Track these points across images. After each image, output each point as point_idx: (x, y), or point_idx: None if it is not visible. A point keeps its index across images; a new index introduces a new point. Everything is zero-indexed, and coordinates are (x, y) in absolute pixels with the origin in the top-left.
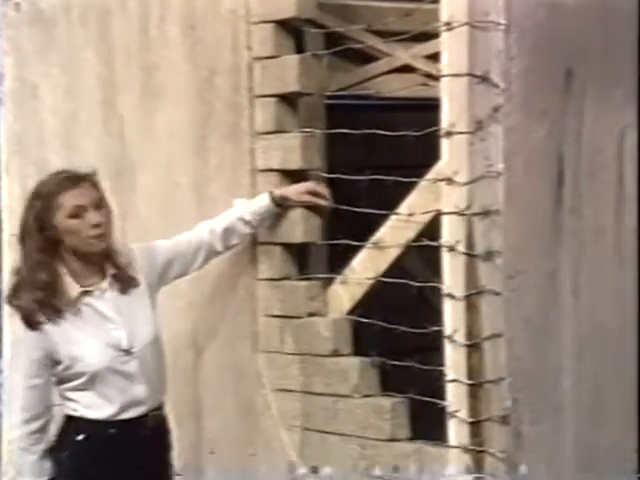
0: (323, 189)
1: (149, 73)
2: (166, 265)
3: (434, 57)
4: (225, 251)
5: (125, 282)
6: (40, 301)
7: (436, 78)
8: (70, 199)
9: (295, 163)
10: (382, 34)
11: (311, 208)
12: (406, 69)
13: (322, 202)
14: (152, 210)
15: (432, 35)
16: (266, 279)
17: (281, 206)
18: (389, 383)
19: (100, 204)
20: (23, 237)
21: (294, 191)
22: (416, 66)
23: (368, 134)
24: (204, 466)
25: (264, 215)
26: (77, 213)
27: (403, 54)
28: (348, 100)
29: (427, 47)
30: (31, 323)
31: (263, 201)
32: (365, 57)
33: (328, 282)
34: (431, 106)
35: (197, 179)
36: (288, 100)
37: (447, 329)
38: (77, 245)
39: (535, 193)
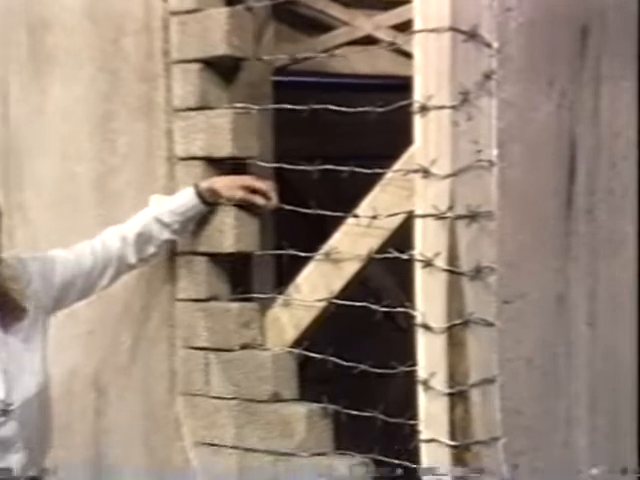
0: (264, 184)
1: (37, 34)
2: (66, 285)
3: (402, 27)
4: (140, 264)
5: (8, 314)
6: None
7: (405, 54)
8: None
9: (224, 149)
10: None
11: (246, 208)
12: (369, 41)
13: (260, 200)
14: (42, 207)
15: (400, 1)
16: (187, 300)
17: (210, 204)
18: (346, 438)
19: None
20: None
21: (225, 184)
22: (380, 37)
23: (321, 117)
24: None
25: (188, 215)
26: None
27: (365, 23)
28: (297, 77)
29: (394, 15)
30: None
31: (186, 197)
32: (319, 26)
33: (269, 303)
34: (399, 86)
35: (99, 169)
36: (215, 67)
37: (421, 371)
38: None
39: (539, 190)
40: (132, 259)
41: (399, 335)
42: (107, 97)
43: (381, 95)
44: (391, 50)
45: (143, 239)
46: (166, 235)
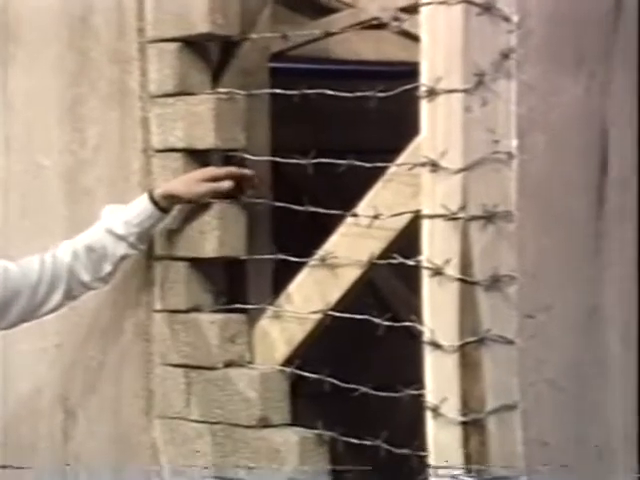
0: (232, 170)
1: None
2: (7, 300)
3: (411, 9)
4: (96, 284)
5: None
6: None
7: (415, 37)
8: None
9: (206, 140)
10: None
11: (231, 206)
12: (375, 24)
13: (225, 185)
14: (4, 206)
15: None
16: (165, 311)
17: (167, 211)
18: (345, 463)
19: None
20: None
21: (183, 184)
22: (387, 20)
23: (323, 106)
24: None
25: (145, 226)
26: None
27: (370, 5)
28: (296, 64)
29: None
30: None
31: (141, 205)
32: (321, 7)
33: (259, 315)
34: (409, 73)
35: (68, 162)
36: (196, 47)
37: (430, 396)
38: None
39: (565, 186)
40: (85, 276)
41: (411, 343)
42: (76, 81)
43: (389, 83)
44: (399, 34)
45: (97, 255)
46: (122, 249)
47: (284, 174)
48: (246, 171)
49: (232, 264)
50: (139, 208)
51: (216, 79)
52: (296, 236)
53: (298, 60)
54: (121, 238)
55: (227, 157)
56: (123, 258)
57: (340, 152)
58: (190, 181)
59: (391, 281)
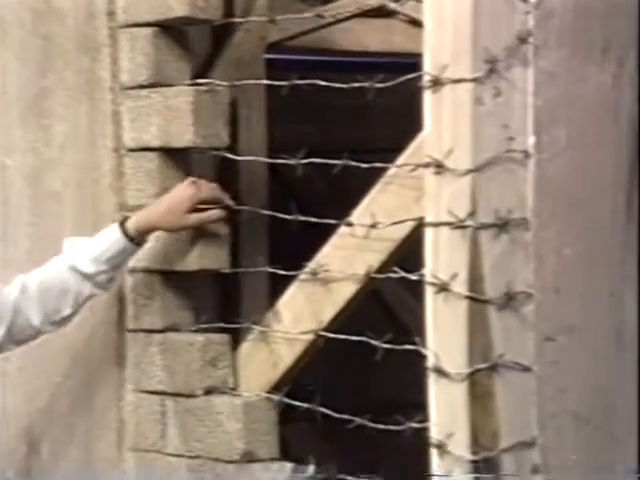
0: (212, 191)
1: None
2: None
3: None
4: (50, 329)
5: None
6: None
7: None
8: None
9: (184, 137)
10: None
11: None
12: (381, 12)
13: (214, 217)
14: None
15: None
16: (139, 330)
17: (141, 244)
18: None
19: None
20: None
21: (165, 216)
22: (395, 8)
23: (324, 102)
24: None
25: (116, 262)
26: None
27: None
28: (295, 55)
29: None
30: None
31: (110, 238)
32: None
33: (245, 335)
34: (418, 65)
35: (32, 162)
36: (173, 32)
37: (435, 430)
38: None
39: (590, 189)
40: (35, 319)
41: (418, 360)
42: (40, 71)
43: (396, 77)
44: (408, 22)
45: (53, 294)
46: (87, 290)
47: (283, 177)
48: (218, 191)
49: (221, 278)
50: (108, 241)
51: (205, 71)
52: (296, 245)
53: (297, 51)
54: (87, 277)
55: (216, 158)
56: (87, 300)
57: (349, 152)
58: (174, 212)
59: (397, 291)
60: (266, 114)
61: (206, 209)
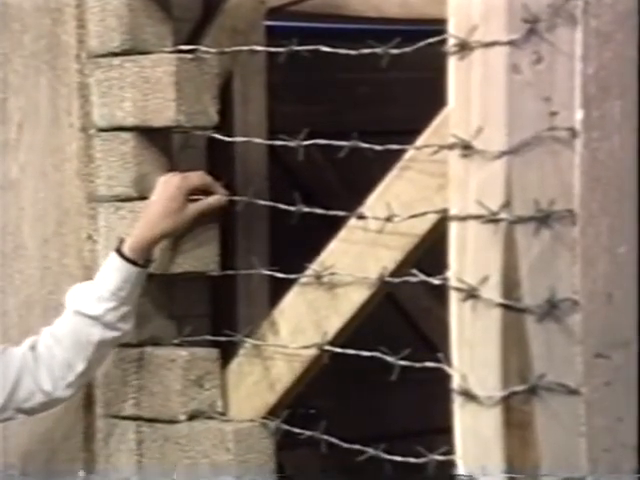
0: (201, 178)
1: None
2: None
3: None
4: (66, 393)
5: None
6: None
7: None
8: None
9: (165, 114)
10: None
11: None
12: None
13: (213, 203)
14: None
15: None
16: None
17: (147, 265)
18: None
19: None
20: None
21: (164, 217)
22: None
23: (336, 79)
24: None
25: (123, 294)
26: None
27: None
28: (300, 22)
29: None
30: None
31: (110, 269)
32: None
33: (237, 349)
34: (441, 33)
35: None
36: None
37: (460, 464)
38: None
39: None
40: (45, 382)
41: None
42: None
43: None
44: None
45: (61, 349)
46: (98, 334)
47: (285, 162)
48: (208, 179)
49: (211, 283)
50: (109, 273)
51: (193, 41)
52: (301, 242)
53: (302, 18)
54: (94, 319)
55: (210, 139)
56: (102, 347)
57: (361, 134)
58: (171, 212)
59: (418, 296)
60: (266, 90)
61: (196, 200)
